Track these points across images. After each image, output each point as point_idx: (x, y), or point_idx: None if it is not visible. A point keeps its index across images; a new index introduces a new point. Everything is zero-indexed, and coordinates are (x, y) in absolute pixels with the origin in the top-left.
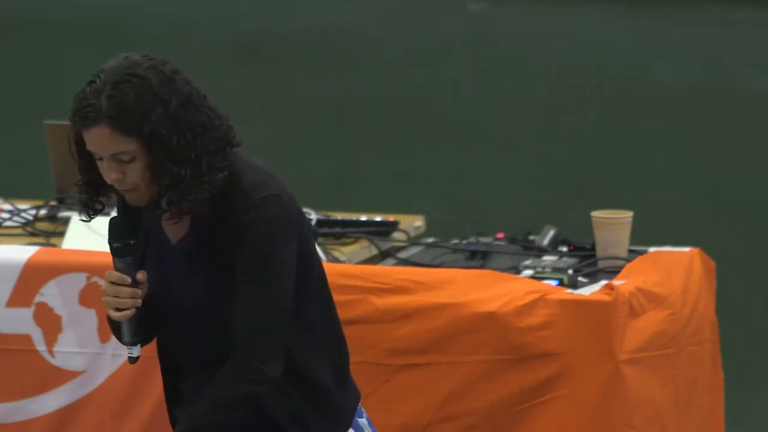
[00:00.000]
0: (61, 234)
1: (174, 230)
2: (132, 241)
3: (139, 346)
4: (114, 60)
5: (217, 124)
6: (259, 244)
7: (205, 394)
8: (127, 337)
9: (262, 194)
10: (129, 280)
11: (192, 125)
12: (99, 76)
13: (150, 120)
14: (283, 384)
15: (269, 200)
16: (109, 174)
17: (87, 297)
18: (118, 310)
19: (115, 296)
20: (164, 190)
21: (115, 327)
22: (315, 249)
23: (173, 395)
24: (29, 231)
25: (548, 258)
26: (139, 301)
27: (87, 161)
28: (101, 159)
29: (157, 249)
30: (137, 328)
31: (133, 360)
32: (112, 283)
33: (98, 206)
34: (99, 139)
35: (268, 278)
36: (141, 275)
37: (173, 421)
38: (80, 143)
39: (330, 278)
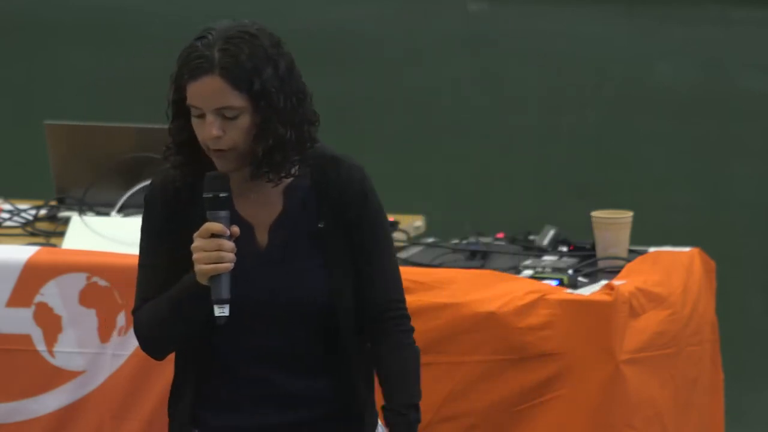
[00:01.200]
0: (61, 234)
1: (261, 213)
2: (225, 195)
3: (228, 305)
4: (221, 21)
5: (310, 99)
6: (379, 213)
7: (394, 373)
8: (225, 294)
9: (358, 164)
10: (228, 231)
11: (296, 91)
12: (209, 33)
13: (261, 77)
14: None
15: (364, 171)
16: (210, 130)
17: (87, 297)
18: (213, 265)
19: (218, 249)
20: (268, 151)
21: (190, 298)
22: None
23: (200, 399)
24: (29, 231)
25: (548, 258)
26: (233, 257)
27: (182, 121)
28: (201, 116)
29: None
30: (229, 286)
31: (223, 320)
32: (213, 235)
33: (186, 171)
34: (208, 91)
35: (391, 244)
36: (236, 229)
37: (192, 422)
38: (178, 102)
39: None
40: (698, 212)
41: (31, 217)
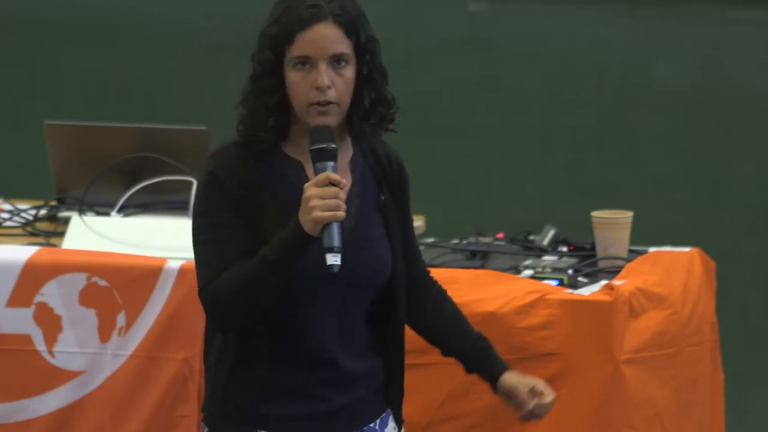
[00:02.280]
0: (61, 234)
1: None
2: (334, 146)
3: (340, 255)
4: None
5: None
6: (409, 191)
7: (452, 315)
8: (337, 242)
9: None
10: (344, 181)
11: (381, 56)
12: None
13: (365, 29)
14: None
15: None
16: (323, 79)
17: (87, 297)
18: (332, 212)
19: (335, 197)
20: (372, 103)
21: (294, 249)
22: None
23: (265, 391)
24: (29, 231)
25: (548, 258)
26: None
27: (275, 82)
28: (307, 66)
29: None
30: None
31: (336, 268)
32: (330, 183)
33: (270, 134)
34: (322, 38)
35: None
36: (344, 182)
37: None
38: (271, 62)
39: None
40: (698, 212)
41: (31, 217)
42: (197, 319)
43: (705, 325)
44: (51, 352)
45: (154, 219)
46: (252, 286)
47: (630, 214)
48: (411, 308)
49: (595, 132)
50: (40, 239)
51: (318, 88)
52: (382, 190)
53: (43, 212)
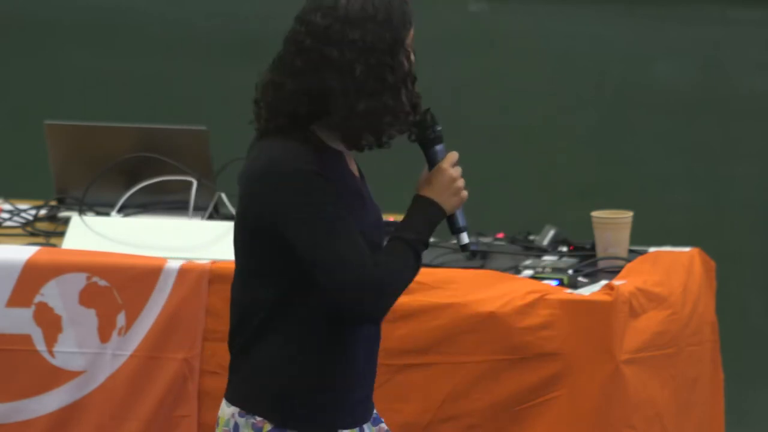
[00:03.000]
0: (61, 234)
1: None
2: (440, 128)
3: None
4: None
5: None
6: None
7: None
8: (465, 222)
9: None
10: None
11: None
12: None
13: None
14: None
15: None
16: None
17: (87, 297)
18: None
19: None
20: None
21: (436, 225)
22: None
23: (344, 376)
24: (29, 231)
25: (548, 258)
26: None
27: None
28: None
29: (363, 189)
30: None
31: (468, 247)
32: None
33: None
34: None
35: None
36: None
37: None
38: (408, 65)
39: None
40: (698, 212)
41: (31, 217)
42: (197, 319)
43: (705, 325)
44: (51, 352)
45: (154, 219)
46: (407, 271)
47: (630, 214)
48: None
49: (595, 132)
50: (40, 239)
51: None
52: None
53: (43, 212)
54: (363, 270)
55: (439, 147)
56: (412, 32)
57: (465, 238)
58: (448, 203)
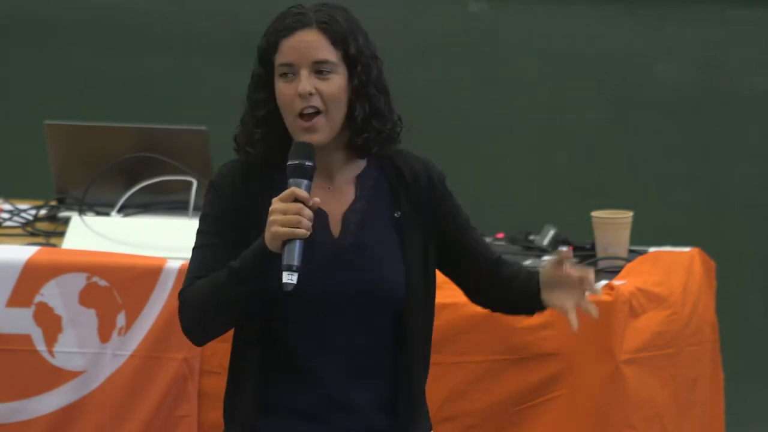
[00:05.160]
0: (61, 234)
1: (334, 202)
2: (311, 164)
3: (297, 275)
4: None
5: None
6: (450, 190)
7: (516, 269)
8: (297, 260)
9: (420, 155)
10: (311, 200)
11: (382, 74)
12: (300, 5)
13: (357, 41)
14: None
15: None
16: (304, 85)
17: (87, 297)
18: (291, 228)
19: (297, 213)
20: (366, 117)
21: (255, 262)
22: None
23: (261, 404)
24: (29, 231)
25: (548, 258)
26: (311, 227)
27: (264, 95)
28: (291, 76)
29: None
30: (302, 256)
31: (290, 287)
32: (296, 200)
33: (257, 148)
34: (305, 45)
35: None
36: (318, 200)
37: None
38: (261, 74)
39: None
40: (698, 212)
41: (31, 217)
42: None
43: (705, 325)
44: (51, 352)
45: (154, 219)
46: (215, 296)
47: (630, 214)
48: (493, 284)
49: (595, 132)
50: (40, 239)
51: (300, 95)
52: (399, 207)
53: (43, 212)
54: (184, 286)
55: (292, 180)
56: (287, 45)
57: (285, 276)
58: (266, 237)
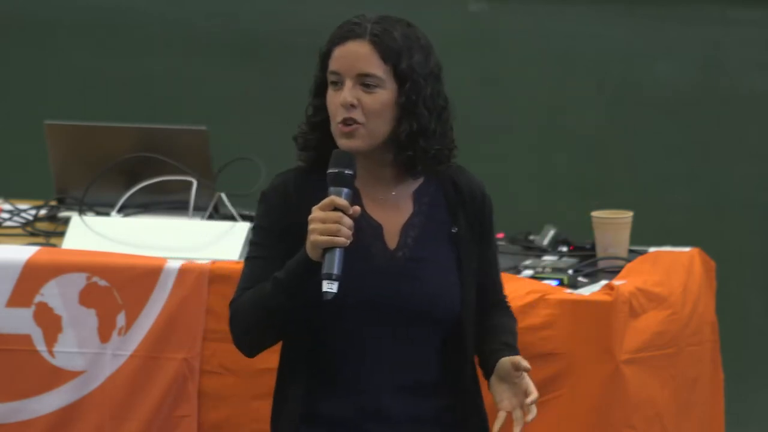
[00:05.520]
0: (61, 234)
1: (391, 215)
2: (350, 172)
3: (338, 283)
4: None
5: (452, 114)
6: (494, 223)
7: (502, 324)
8: (336, 269)
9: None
10: (351, 209)
11: (442, 93)
12: (363, 15)
13: (411, 58)
14: None
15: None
16: (345, 95)
17: (87, 297)
18: (330, 237)
19: (337, 222)
20: (412, 135)
21: (298, 272)
22: None
23: (306, 415)
24: (29, 231)
25: (548, 258)
26: (351, 235)
27: (320, 101)
28: (339, 85)
29: (361, 240)
30: (342, 264)
31: (330, 296)
32: (336, 209)
33: (313, 155)
34: (353, 55)
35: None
36: (357, 209)
37: None
38: (319, 79)
39: None
40: (698, 212)
41: (31, 217)
42: (197, 319)
43: (705, 325)
44: (51, 352)
45: (154, 219)
46: (260, 307)
47: (630, 214)
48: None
49: (596, 132)
50: (40, 239)
51: (341, 105)
52: (456, 222)
53: (43, 212)
54: (234, 298)
55: (332, 189)
56: (337, 53)
57: (324, 285)
58: (307, 246)
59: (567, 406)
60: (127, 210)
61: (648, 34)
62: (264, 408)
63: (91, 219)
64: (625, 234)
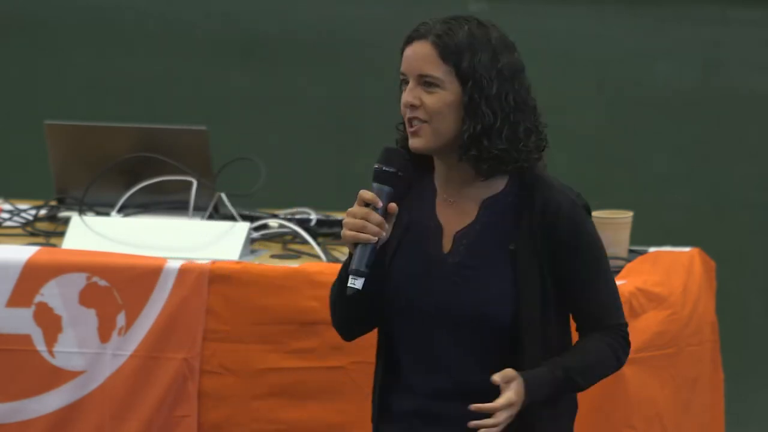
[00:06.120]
0: (61, 234)
1: (454, 219)
2: (398, 172)
3: (363, 279)
4: None
5: (535, 117)
6: (588, 239)
7: (581, 345)
8: (356, 264)
9: (573, 197)
10: (381, 203)
11: (514, 92)
12: (435, 17)
13: (474, 57)
14: None
15: (578, 202)
16: (407, 97)
17: (87, 297)
18: (354, 232)
19: (363, 218)
20: (475, 135)
21: (344, 266)
22: None
23: (380, 407)
24: (29, 231)
25: None
26: (384, 234)
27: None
28: (406, 84)
29: (422, 239)
30: (370, 260)
31: (352, 291)
32: (366, 204)
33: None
34: (414, 57)
35: (605, 271)
36: (393, 207)
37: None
38: (401, 82)
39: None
40: (698, 212)
41: (31, 217)
42: (197, 319)
43: (705, 325)
44: (51, 352)
45: (154, 219)
46: (334, 293)
47: (630, 214)
48: None
49: (596, 132)
50: (40, 239)
51: (404, 105)
52: (518, 236)
53: (43, 212)
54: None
55: (375, 185)
56: (404, 55)
57: (349, 280)
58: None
59: None
60: (127, 210)
61: (648, 34)
62: (264, 408)
63: (91, 219)
64: (625, 234)
